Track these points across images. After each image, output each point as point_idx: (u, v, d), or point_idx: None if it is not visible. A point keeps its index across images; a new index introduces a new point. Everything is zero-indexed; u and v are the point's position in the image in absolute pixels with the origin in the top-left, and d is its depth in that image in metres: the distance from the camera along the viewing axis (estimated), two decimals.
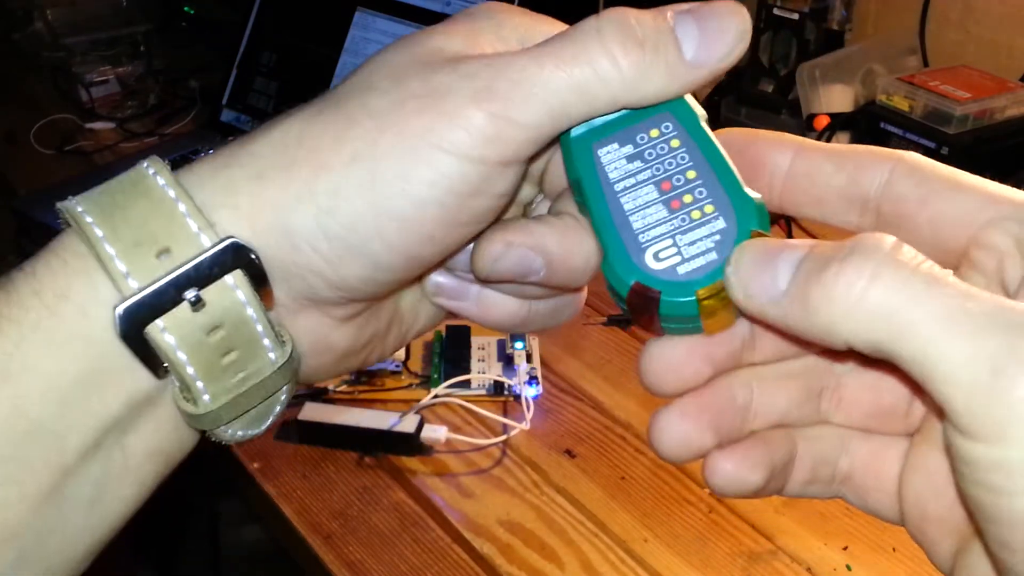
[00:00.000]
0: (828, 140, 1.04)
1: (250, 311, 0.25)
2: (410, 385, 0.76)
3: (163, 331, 0.24)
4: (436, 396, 0.74)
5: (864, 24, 1.19)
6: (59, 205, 0.25)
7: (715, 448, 0.25)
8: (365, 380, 0.76)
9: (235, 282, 0.24)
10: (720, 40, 0.24)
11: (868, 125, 1.01)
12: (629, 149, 0.26)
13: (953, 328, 0.19)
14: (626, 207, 0.25)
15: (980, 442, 0.18)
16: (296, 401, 0.73)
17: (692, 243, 0.25)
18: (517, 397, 0.74)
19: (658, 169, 0.25)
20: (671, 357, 0.25)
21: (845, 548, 0.62)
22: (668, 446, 0.25)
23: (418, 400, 0.74)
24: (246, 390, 0.26)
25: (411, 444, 0.70)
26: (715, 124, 0.26)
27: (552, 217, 0.27)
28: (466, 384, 0.75)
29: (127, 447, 0.26)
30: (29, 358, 0.24)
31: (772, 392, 0.26)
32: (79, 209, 0.24)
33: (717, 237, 0.24)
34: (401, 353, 0.76)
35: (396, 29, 1.08)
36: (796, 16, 1.08)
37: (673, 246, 0.25)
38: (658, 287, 0.24)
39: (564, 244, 0.26)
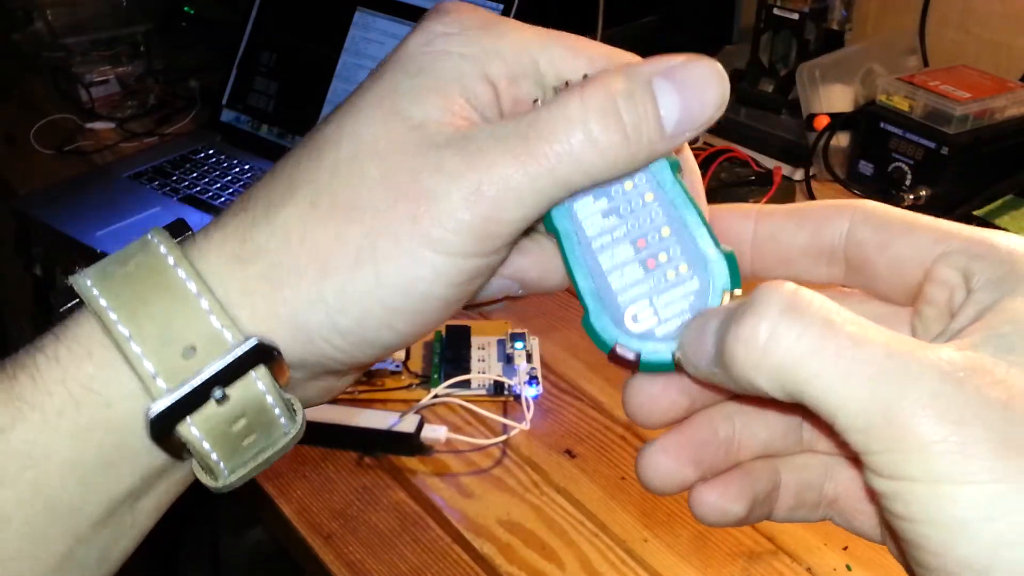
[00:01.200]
0: (828, 140, 1.04)
1: (270, 399, 0.26)
2: (410, 385, 0.76)
3: (190, 425, 0.25)
4: (436, 396, 0.74)
5: (864, 24, 1.19)
6: (77, 287, 0.26)
7: (699, 480, 0.27)
8: (365, 380, 0.76)
9: (258, 375, 0.25)
10: (700, 112, 0.25)
11: (868, 125, 1.01)
12: (604, 203, 0.26)
13: (847, 380, 0.20)
14: (604, 266, 0.26)
15: (883, 477, 0.20)
16: None
17: (668, 304, 0.26)
18: (517, 397, 0.74)
19: (633, 226, 0.26)
20: (649, 391, 0.27)
21: (845, 548, 0.62)
22: (653, 481, 0.27)
23: (418, 400, 0.74)
24: (261, 461, 0.27)
25: (411, 444, 0.70)
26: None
27: (529, 241, 0.28)
28: (466, 384, 0.75)
29: (137, 509, 0.27)
30: (51, 444, 0.25)
31: (753, 424, 0.27)
32: (102, 303, 0.25)
33: (691, 298, 0.26)
34: (401, 353, 0.76)
35: (396, 29, 1.08)
36: (796, 16, 1.08)
37: (650, 307, 0.26)
38: (637, 349, 0.26)
39: (540, 270, 0.27)
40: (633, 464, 0.71)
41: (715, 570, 0.60)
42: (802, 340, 0.21)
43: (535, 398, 0.74)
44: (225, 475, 0.26)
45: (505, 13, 0.98)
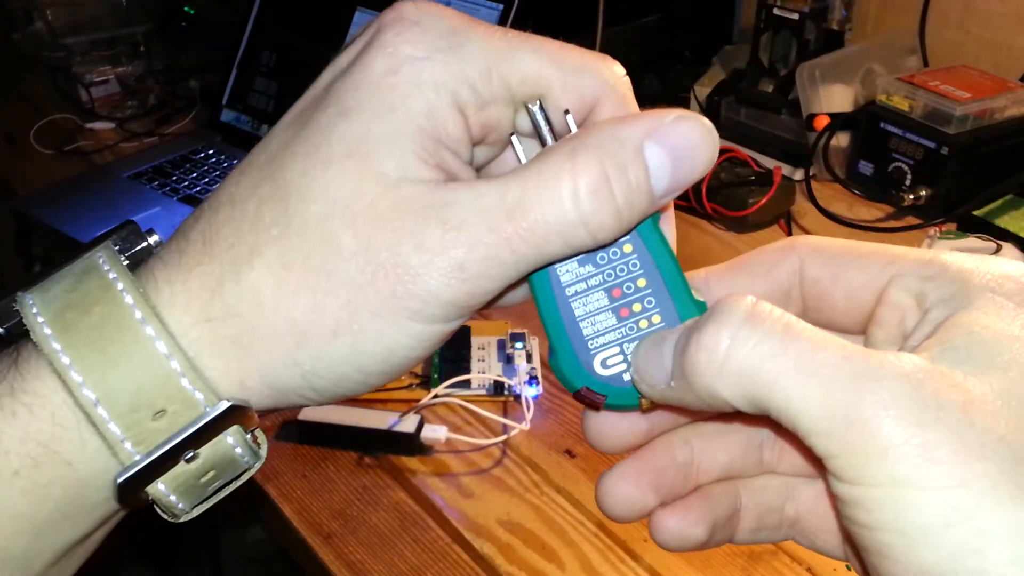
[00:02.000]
0: (828, 140, 1.04)
1: (239, 451, 0.25)
2: (410, 385, 0.76)
3: (158, 484, 0.25)
4: (436, 396, 0.74)
5: (864, 24, 1.19)
6: (34, 335, 0.24)
7: (659, 506, 0.27)
8: None
9: (229, 433, 0.25)
10: (690, 174, 0.24)
11: (868, 125, 1.01)
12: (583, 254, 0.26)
13: (808, 382, 0.20)
14: (576, 312, 0.26)
15: (845, 483, 0.20)
16: None
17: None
18: (517, 397, 0.74)
19: (609, 275, 0.26)
20: (607, 416, 0.27)
21: None
22: (613, 508, 0.27)
23: (418, 400, 0.74)
24: (223, 495, 0.27)
25: (411, 444, 0.70)
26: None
27: None
28: (466, 384, 0.75)
29: (88, 542, 0.27)
30: (5, 502, 0.24)
31: (712, 447, 0.27)
32: (64, 361, 0.23)
33: None
34: None
35: None
36: (796, 16, 1.08)
37: (620, 354, 0.26)
38: (604, 393, 0.26)
39: (511, 298, 0.28)
40: None
41: (715, 570, 0.60)
42: (762, 345, 0.21)
43: (535, 398, 0.74)
44: (187, 513, 0.26)
45: (505, 13, 0.98)
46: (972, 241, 0.89)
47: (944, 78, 0.99)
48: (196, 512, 0.26)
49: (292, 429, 0.72)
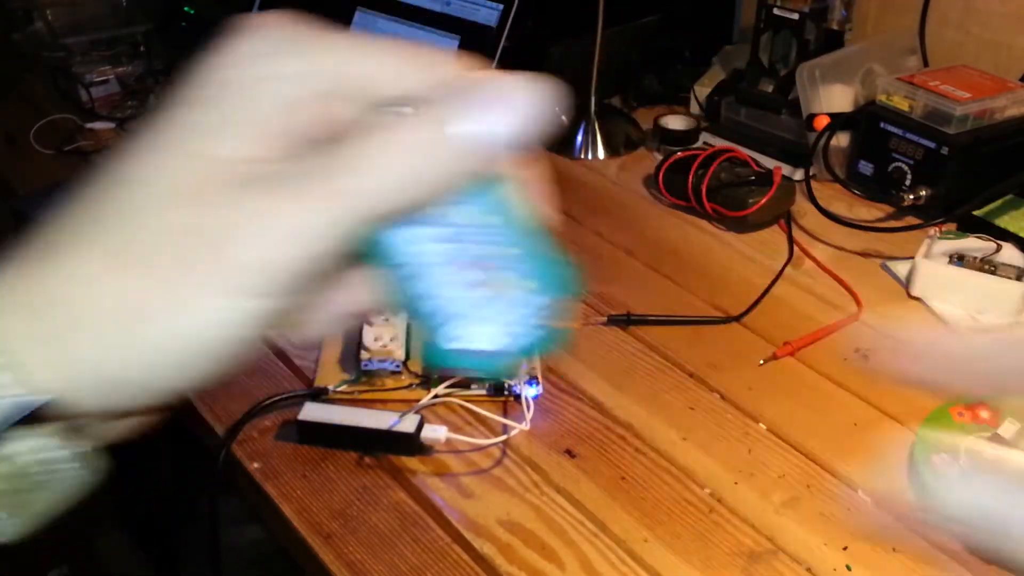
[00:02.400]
0: (828, 140, 1.04)
1: (45, 442, 0.24)
2: (410, 385, 0.76)
3: None
4: (436, 396, 0.74)
5: (864, 24, 1.19)
6: None
7: None
8: (365, 380, 0.76)
9: (37, 428, 0.24)
10: (499, 129, 0.24)
11: (868, 125, 1.01)
12: (433, 230, 0.25)
13: None
14: (441, 292, 0.25)
15: None
16: (296, 401, 0.73)
17: (514, 321, 0.26)
18: (517, 397, 0.74)
19: (467, 249, 0.25)
20: None
21: (845, 548, 0.62)
22: None
23: (418, 400, 0.74)
24: (44, 509, 0.26)
25: (411, 444, 0.70)
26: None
27: (356, 273, 0.27)
28: (466, 384, 0.75)
29: None
30: None
31: None
32: None
33: (537, 310, 0.26)
34: (401, 353, 0.76)
35: (396, 29, 1.07)
36: (796, 16, 1.08)
37: (495, 325, 0.26)
38: (477, 367, 0.26)
39: (376, 300, 0.27)
40: (632, 465, 0.71)
41: (715, 570, 0.60)
42: None
43: (535, 398, 0.74)
44: (13, 532, 0.25)
45: (505, 13, 0.98)
46: (972, 241, 0.89)
47: (944, 78, 0.99)
48: (12, 529, 0.25)
49: (292, 429, 0.72)
